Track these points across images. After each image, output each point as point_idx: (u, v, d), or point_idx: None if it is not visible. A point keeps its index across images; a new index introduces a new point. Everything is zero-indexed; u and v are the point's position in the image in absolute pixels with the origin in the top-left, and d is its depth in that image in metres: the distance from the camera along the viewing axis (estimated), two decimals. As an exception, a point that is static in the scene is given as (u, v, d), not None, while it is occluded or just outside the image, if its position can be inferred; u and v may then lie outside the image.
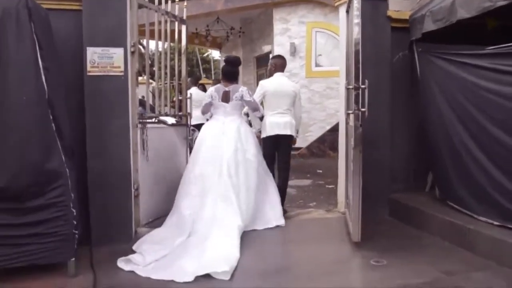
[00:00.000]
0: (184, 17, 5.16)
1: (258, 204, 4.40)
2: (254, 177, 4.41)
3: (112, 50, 3.81)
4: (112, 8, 3.81)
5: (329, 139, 9.42)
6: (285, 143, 4.92)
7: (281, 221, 4.48)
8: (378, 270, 3.25)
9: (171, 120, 5.40)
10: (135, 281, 3.16)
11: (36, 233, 3.02)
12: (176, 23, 5.03)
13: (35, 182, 2.98)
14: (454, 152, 4.03)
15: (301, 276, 3.26)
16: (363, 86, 3.59)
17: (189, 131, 5.37)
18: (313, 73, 10.44)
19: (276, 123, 4.82)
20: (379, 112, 4.37)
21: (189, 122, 5.32)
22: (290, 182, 6.32)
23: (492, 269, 3.18)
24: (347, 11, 4.44)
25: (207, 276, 3.17)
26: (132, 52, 3.98)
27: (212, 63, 28.51)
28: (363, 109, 3.60)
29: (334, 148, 8.90)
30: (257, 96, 4.85)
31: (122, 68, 3.84)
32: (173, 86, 5.65)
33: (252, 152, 4.47)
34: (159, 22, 4.63)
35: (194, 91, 6.94)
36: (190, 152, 5.11)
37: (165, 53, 4.86)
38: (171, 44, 5.03)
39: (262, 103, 4.97)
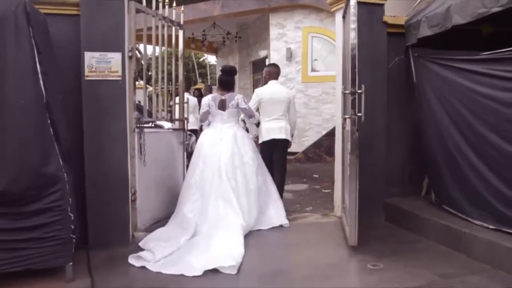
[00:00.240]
0: (181, 22, 5.19)
1: (261, 206, 4.58)
2: (253, 179, 4.55)
3: (110, 54, 3.82)
4: (110, 13, 3.83)
5: (325, 144, 9.45)
6: (281, 147, 5.16)
7: (285, 221, 4.64)
8: (375, 274, 3.27)
9: (167, 124, 5.43)
10: (133, 286, 3.16)
11: (33, 238, 3.02)
12: (173, 28, 5.05)
13: (33, 186, 2.99)
14: (449, 157, 4.07)
15: (298, 279, 3.27)
16: (359, 91, 3.62)
17: (186, 136, 5.38)
18: (309, 78, 10.49)
19: (272, 128, 5.08)
20: (375, 116, 4.41)
21: (185, 127, 5.33)
22: (287, 187, 6.38)
23: (487, 272, 3.20)
24: (344, 17, 4.47)
25: (214, 271, 3.33)
26: (130, 57, 3.99)
27: (208, 68, 28.57)
28: (359, 114, 3.62)
29: (330, 152, 8.95)
30: (252, 104, 5.08)
31: (120, 73, 3.85)
32: (169, 91, 5.67)
33: (250, 155, 4.62)
34: (157, 27, 4.65)
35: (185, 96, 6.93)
36: (187, 157, 5.18)
37: (162, 58, 4.88)
38: (168, 49, 5.05)
39: (258, 110, 5.19)
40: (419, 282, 3.06)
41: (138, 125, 4.26)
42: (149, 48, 4.72)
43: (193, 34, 13.16)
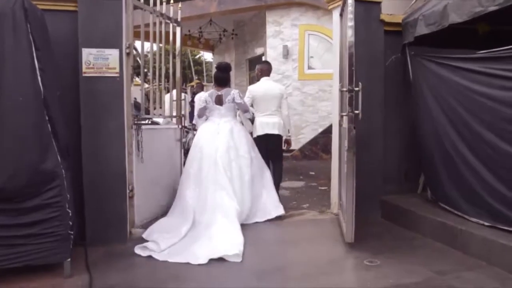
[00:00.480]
0: (179, 19, 5.18)
1: (256, 197, 4.75)
2: (247, 172, 4.74)
3: (108, 51, 3.82)
4: (108, 9, 3.82)
5: (321, 141, 9.46)
6: (275, 142, 5.39)
7: (280, 211, 4.81)
8: (372, 270, 3.29)
9: (164, 121, 5.42)
10: (131, 282, 3.17)
11: (31, 234, 3.03)
12: (171, 25, 5.05)
13: (31, 182, 2.98)
14: (445, 154, 4.09)
15: (295, 276, 3.29)
16: (356, 89, 3.64)
17: (183, 133, 5.38)
18: (305, 76, 10.49)
19: (266, 123, 5.31)
20: (371, 114, 4.41)
21: (183, 124, 5.34)
22: (283, 184, 6.43)
23: (483, 268, 3.24)
24: (341, 14, 4.49)
25: (219, 259, 3.53)
26: (128, 54, 3.99)
27: (204, 65, 28.49)
28: (356, 112, 3.64)
29: (327, 150, 8.97)
30: (246, 100, 5.22)
31: (117, 69, 3.85)
32: (167, 87, 5.67)
33: (245, 149, 4.81)
34: (154, 24, 4.65)
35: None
36: (184, 153, 5.21)
37: (160, 55, 4.88)
38: (166, 46, 5.04)
39: (252, 106, 5.37)
40: (415, 279, 3.09)
41: (135, 121, 4.25)
42: (146, 45, 4.74)
43: (189, 31, 13.11)
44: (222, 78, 5.06)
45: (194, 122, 7.94)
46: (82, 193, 3.77)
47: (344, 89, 3.82)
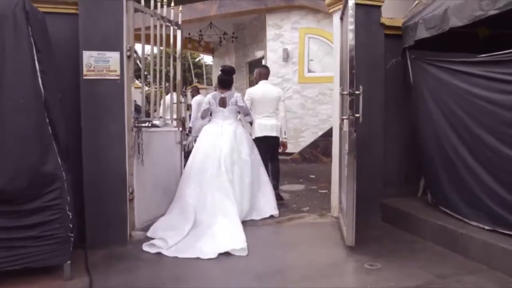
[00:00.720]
0: (179, 22, 5.19)
1: (253, 198, 4.92)
2: (248, 175, 4.90)
3: (109, 54, 3.82)
4: (109, 12, 3.83)
5: (321, 145, 9.47)
6: (272, 143, 5.65)
7: (275, 212, 5.02)
8: (372, 273, 3.28)
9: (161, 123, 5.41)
10: (131, 284, 3.16)
11: (31, 236, 3.02)
12: (172, 28, 5.05)
13: (31, 185, 2.98)
14: (445, 158, 4.09)
15: (295, 279, 3.28)
16: (357, 92, 3.64)
17: (183, 135, 5.38)
18: (305, 79, 10.50)
19: (265, 125, 5.56)
20: (372, 117, 4.40)
21: (183, 126, 5.34)
22: (283, 187, 6.47)
23: (483, 272, 3.23)
24: (341, 18, 4.50)
25: (225, 257, 3.68)
26: (128, 56, 3.99)
27: (204, 68, 28.52)
28: (357, 115, 3.65)
29: (327, 153, 8.99)
30: (246, 102, 5.38)
31: (118, 72, 3.85)
32: (167, 90, 5.68)
33: (246, 152, 4.97)
34: (155, 27, 4.65)
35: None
36: (185, 156, 5.27)
37: (161, 58, 4.88)
38: (166, 49, 5.05)
39: (250, 108, 5.53)
40: (416, 282, 3.08)
41: (136, 124, 4.26)
42: (147, 48, 4.74)
43: (189, 34, 13.14)
44: (226, 80, 5.23)
45: (190, 125, 7.96)
46: (83, 195, 3.76)
47: (345, 92, 3.82)
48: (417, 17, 4.33)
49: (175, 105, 5.27)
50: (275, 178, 5.72)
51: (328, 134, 8.91)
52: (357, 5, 3.74)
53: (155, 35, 4.67)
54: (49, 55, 3.24)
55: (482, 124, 3.68)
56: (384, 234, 4.30)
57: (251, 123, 5.64)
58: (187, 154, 6.07)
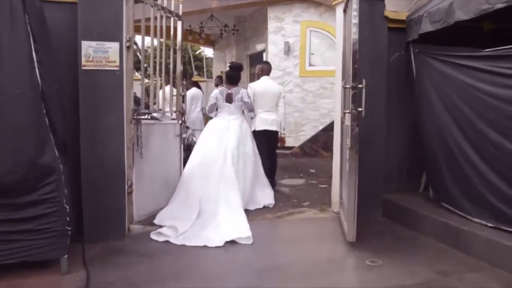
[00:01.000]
0: (180, 13, 5.11)
1: (252, 190, 5.12)
2: (250, 168, 5.13)
3: (108, 44, 3.75)
4: (108, 1, 3.76)
5: (322, 139, 9.42)
6: (272, 137, 5.88)
7: (272, 202, 5.24)
8: (373, 270, 3.25)
9: (164, 117, 5.34)
10: (129, 278, 3.11)
11: (28, 229, 2.97)
12: (172, 19, 4.98)
13: (28, 177, 2.92)
14: (448, 153, 4.04)
15: (296, 275, 3.23)
16: (360, 86, 3.58)
17: (183, 128, 5.32)
18: (306, 73, 10.43)
19: (266, 119, 5.79)
20: (374, 112, 4.35)
21: (183, 119, 5.28)
22: (284, 181, 6.44)
23: (486, 270, 3.19)
24: (344, 11, 4.42)
25: (232, 242, 3.81)
26: (128, 47, 3.93)
27: (204, 61, 28.39)
28: (360, 109, 3.59)
29: (327, 148, 8.95)
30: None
31: (118, 63, 3.79)
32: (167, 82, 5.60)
33: (250, 146, 5.19)
34: (155, 18, 4.57)
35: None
36: (184, 149, 5.33)
37: (161, 49, 4.81)
38: (166, 41, 4.97)
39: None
40: (417, 279, 3.04)
41: (135, 116, 4.20)
42: (147, 40, 4.67)
43: (190, 26, 13.05)
44: (234, 76, 5.43)
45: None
46: (80, 188, 3.71)
47: (348, 86, 3.76)
48: (422, 10, 4.25)
49: (174, 98, 5.21)
50: (272, 173, 5.92)
51: (329, 128, 8.88)
52: (361, -2, 3.67)
53: (155, 26, 4.59)
54: (46, 45, 3.18)
55: (486, 119, 3.63)
56: (385, 230, 4.26)
57: (252, 118, 5.84)
58: (186, 147, 6.04)
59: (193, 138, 6.60)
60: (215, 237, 3.86)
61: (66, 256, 3.10)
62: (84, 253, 3.48)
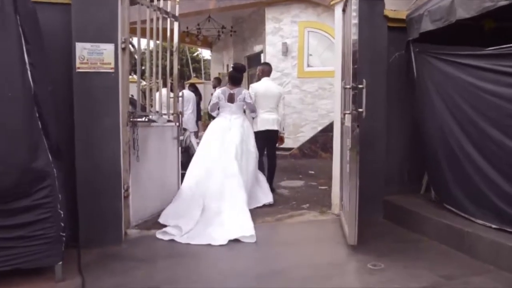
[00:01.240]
0: (177, 14, 5.04)
1: (252, 187, 5.17)
2: (252, 165, 5.23)
3: (102, 46, 3.67)
4: (103, 2, 3.68)
5: (321, 140, 9.35)
6: (273, 137, 5.97)
7: (271, 200, 5.31)
8: (376, 274, 3.17)
9: (161, 119, 5.27)
10: (125, 285, 3.04)
11: (21, 236, 2.89)
12: (168, 20, 4.91)
13: (20, 182, 2.84)
14: (450, 154, 3.98)
15: (296, 280, 3.15)
16: (360, 86, 3.52)
17: (180, 131, 5.25)
18: (305, 73, 10.36)
19: (267, 119, 5.86)
20: (374, 112, 4.27)
21: (180, 122, 5.21)
22: (283, 183, 6.38)
23: (491, 273, 3.12)
24: (343, 10, 4.36)
25: (235, 241, 3.87)
26: (123, 49, 3.85)
27: (202, 63, 28.34)
28: (360, 110, 3.52)
29: (326, 149, 8.88)
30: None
31: (113, 65, 3.71)
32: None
33: (252, 144, 5.31)
34: (151, 20, 4.50)
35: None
36: (182, 151, 5.34)
37: (157, 51, 4.73)
38: (163, 43, 4.91)
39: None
40: (421, 284, 2.97)
41: (131, 119, 4.12)
42: (144, 42, 4.59)
43: (187, 28, 12.99)
44: (236, 77, 5.56)
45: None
46: (75, 193, 3.63)
47: (348, 86, 3.70)
48: (422, 9, 4.19)
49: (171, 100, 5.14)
50: (271, 172, 6.01)
51: (328, 129, 8.82)
52: (360, -3, 3.61)
53: (151, 28, 4.52)
54: (39, 47, 3.10)
55: (488, 118, 3.57)
56: (387, 233, 4.19)
57: (253, 118, 5.91)
58: (184, 149, 5.97)
59: (191, 140, 6.52)
60: (219, 236, 3.90)
61: (60, 263, 3.02)
62: (80, 259, 3.40)
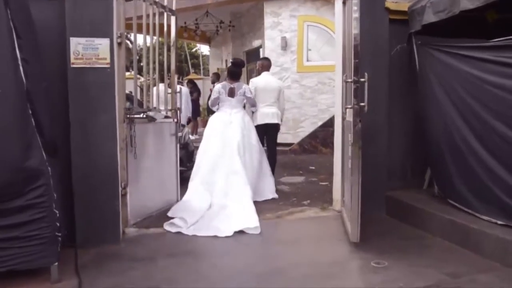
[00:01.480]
0: (173, 8, 4.94)
1: (257, 181, 5.24)
2: (256, 158, 5.30)
3: (98, 40, 3.58)
4: (98, -5, 3.59)
5: (321, 135, 9.25)
6: (273, 130, 6.05)
7: (275, 195, 5.41)
8: (379, 273, 3.09)
9: (159, 115, 5.19)
10: (123, 286, 2.97)
11: (15, 237, 2.81)
12: (165, 14, 4.81)
13: (14, 181, 2.76)
14: (454, 148, 3.90)
15: (297, 279, 3.08)
16: (362, 80, 3.43)
17: (178, 127, 5.17)
18: (304, 68, 10.26)
19: (266, 113, 5.90)
20: (376, 106, 4.19)
21: (178, 118, 5.14)
22: (283, 179, 6.33)
23: (497, 271, 3.04)
24: (344, 2, 4.27)
25: (240, 232, 3.96)
26: (119, 43, 3.77)
27: (200, 59, 28.22)
28: (362, 104, 3.44)
29: (326, 144, 8.80)
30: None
31: (108, 60, 3.62)
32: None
33: (254, 138, 5.37)
34: (147, 13, 4.40)
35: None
36: (181, 148, 5.40)
37: (154, 47, 4.64)
38: (160, 38, 4.81)
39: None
40: (427, 282, 2.90)
41: (128, 115, 4.04)
42: (141, 38, 4.52)
43: (185, 23, 12.88)
44: (236, 72, 5.61)
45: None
46: (71, 191, 3.54)
47: (349, 80, 3.61)
48: (425, 0, 4.09)
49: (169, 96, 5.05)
50: (272, 165, 5.93)
51: (328, 124, 8.74)
52: (361, -11, 3.52)
53: (147, 23, 4.42)
54: (32, 42, 3.01)
55: (491, 110, 3.50)
56: (390, 229, 4.11)
57: (253, 113, 5.97)
58: (183, 145, 5.90)
59: (190, 136, 6.46)
60: (224, 227, 3.99)
61: (56, 264, 2.94)
62: (77, 259, 3.32)
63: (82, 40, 3.55)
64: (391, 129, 4.60)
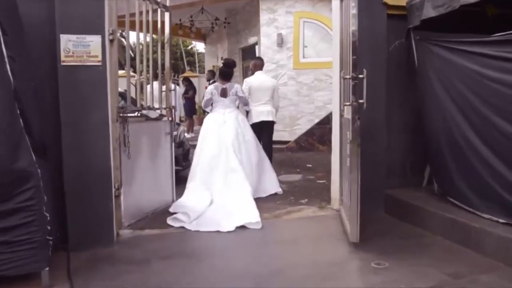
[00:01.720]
0: (167, 4, 4.85)
1: (259, 177, 5.31)
2: (254, 154, 5.33)
3: (89, 37, 3.48)
4: (89, -9, 3.49)
5: (318, 133, 9.17)
6: (268, 127, 6.24)
7: (279, 190, 5.50)
8: (380, 273, 3.02)
9: (154, 114, 5.10)
10: (116, 291, 2.89)
11: (4, 241, 2.71)
12: (159, 11, 4.71)
13: (2, 184, 2.66)
14: (454, 145, 3.84)
15: (296, 280, 3.00)
16: (361, 76, 3.36)
17: (173, 126, 5.09)
18: (301, 65, 10.15)
19: (261, 111, 6.08)
20: (374, 103, 4.08)
21: (173, 116, 5.05)
22: (280, 177, 6.25)
23: (500, 270, 2.98)
24: (341, -2, 4.19)
25: (242, 227, 4.03)
26: (111, 40, 3.66)
27: (196, 56, 28.09)
28: (361, 101, 3.37)
29: (323, 141, 8.74)
30: (244, 90, 5.88)
31: (100, 58, 3.51)
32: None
33: (250, 134, 5.43)
34: (140, 10, 4.30)
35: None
36: (177, 146, 5.40)
37: (147, 44, 4.54)
38: (154, 36, 4.71)
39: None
40: (428, 283, 2.83)
41: (121, 114, 3.94)
42: (134, 35, 4.41)
43: (180, 20, 12.76)
44: (227, 73, 5.66)
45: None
46: (63, 193, 3.45)
47: (347, 76, 3.54)
48: (423, -6, 4.02)
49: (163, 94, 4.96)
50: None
51: (325, 121, 8.68)
52: (358, -16, 3.44)
53: (140, 19, 4.32)
54: (19, 39, 2.91)
55: (491, 106, 3.44)
56: (389, 228, 4.04)
57: (247, 112, 6.06)
58: (178, 144, 5.81)
59: (185, 135, 6.39)
60: (226, 223, 4.05)
61: (47, 268, 2.85)
62: (69, 263, 3.23)
63: (73, 37, 3.44)
64: (390, 126, 4.53)
